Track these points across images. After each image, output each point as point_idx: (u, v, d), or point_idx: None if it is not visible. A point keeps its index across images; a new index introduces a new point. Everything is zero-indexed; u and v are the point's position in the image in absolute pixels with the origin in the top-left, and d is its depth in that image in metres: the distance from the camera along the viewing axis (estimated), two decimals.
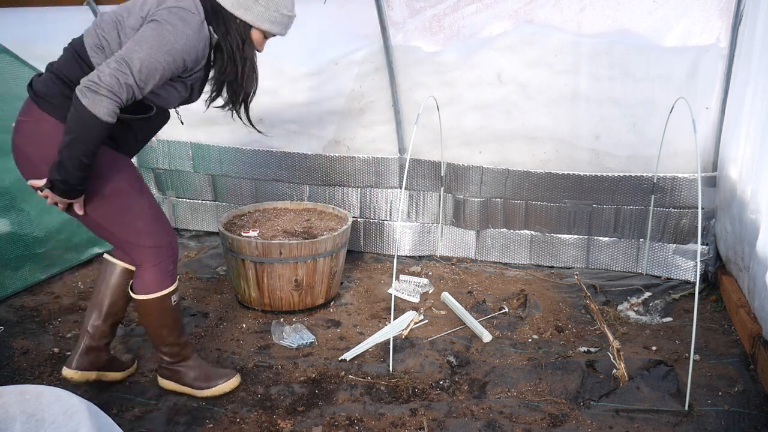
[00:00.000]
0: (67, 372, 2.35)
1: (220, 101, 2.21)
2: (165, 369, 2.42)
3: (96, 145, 1.87)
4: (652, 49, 3.08)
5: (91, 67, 1.94)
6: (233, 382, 2.43)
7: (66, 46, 2.06)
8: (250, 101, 2.23)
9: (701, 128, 3.17)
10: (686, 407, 2.23)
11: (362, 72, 3.52)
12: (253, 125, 2.33)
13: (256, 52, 2.14)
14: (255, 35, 2.09)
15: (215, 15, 2.02)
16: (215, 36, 2.03)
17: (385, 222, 3.87)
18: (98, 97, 1.79)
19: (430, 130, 3.58)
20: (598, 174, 3.42)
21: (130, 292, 2.27)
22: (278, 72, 3.67)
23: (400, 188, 3.66)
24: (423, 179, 3.74)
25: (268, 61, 3.65)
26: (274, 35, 2.13)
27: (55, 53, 4.14)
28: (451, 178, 3.71)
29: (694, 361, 2.39)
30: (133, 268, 2.31)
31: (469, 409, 2.29)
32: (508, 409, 2.28)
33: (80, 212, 2.05)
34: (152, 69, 1.87)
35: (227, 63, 2.07)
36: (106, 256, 2.39)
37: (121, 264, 2.36)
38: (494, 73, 3.35)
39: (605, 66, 3.18)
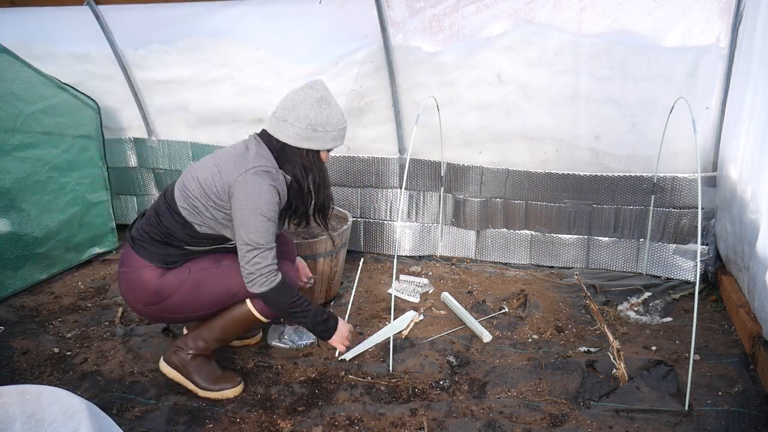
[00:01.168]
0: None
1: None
2: (176, 357, 2.42)
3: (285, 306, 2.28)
4: (652, 49, 3.08)
5: (184, 219, 2.24)
6: (237, 390, 2.43)
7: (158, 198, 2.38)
8: (329, 212, 2.49)
9: (701, 128, 3.17)
10: (686, 407, 2.23)
11: (362, 72, 3.52)
12: (329, 233, 2.71)
13: (326, 168, 2.39)
14: (321, 154, 2.32)
15: (283, 152, 2.26)
16: (288, 177, 2.28)
17: (385, 222, 3.87)
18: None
19: (430, 130, 3.58)
20: (598, 174, 3.42)
21: (248, 302, 2.34)
22: (278, 72, 3.68)
23: (400, 188, 3.66)
24: (423, 179, 3.74)
25: (268, 61, 3.67)
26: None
27: (55, 53, 4.16)
28: (451, 178, 3.71)
29: (694, 361, 2.39)
30: None
31: (469, 409, 2.29)
32: (508, 409, 2.28)
33: (344, 347, 2.44)
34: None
35: (300, 190, 2.31)
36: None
37: None
38: (494, 73, 3.35)
39: (605, 66, 3.18)
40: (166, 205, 2.28)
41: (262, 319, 2.35)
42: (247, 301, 2.32)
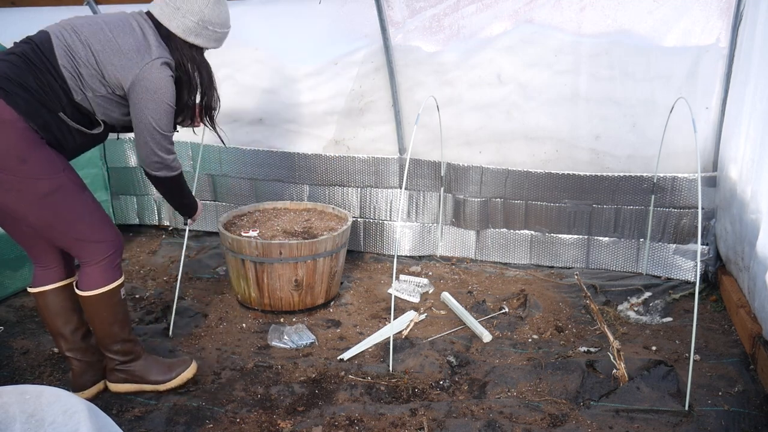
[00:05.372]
0: (79, 395, 2.34)
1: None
2: (118, 371, 2.35)
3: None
4: (652, 49, 3.08)
5: (65, 82, 2.01)
6: (193, 367, 2.44)
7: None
8: (216, 114, 2.42)
9: (701, 128, 3.17)
10: (686, 407, 2.23)
11: (362, 72, 3.52)
12: (218, 133, 2.55)
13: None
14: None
15: (168, 40, 2.17)
16: (172, 59, 2.16)
17: (385, 222, 3.87)
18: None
19: (430, 130, 3.58)
20: (598, 174, 3.42)
21: (77, 290, 2.21)
22: (278, 72, 3.68)
23: (400, 188, 3.66)
24: (423, 179, 3.74)
25: (268, 61, 3.67)
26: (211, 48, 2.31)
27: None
28: (451, 178, 3.71)
29: (694, 361, 2.39)
30: (61, 283, 2.30)
31: (469, 409, 2.29)
32: (508, 409, 2.28)
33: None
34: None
35: (189, 82, 2.23)
36: (30, 290, 2.31)
37: (49, 287, 2.29)
38: (494, 73, 3.35)
39: (605, 66, 3.18)
40: (43, 60, 1.99)
41: (108, 287, 2.19)
42: (80, 292, 2.19)
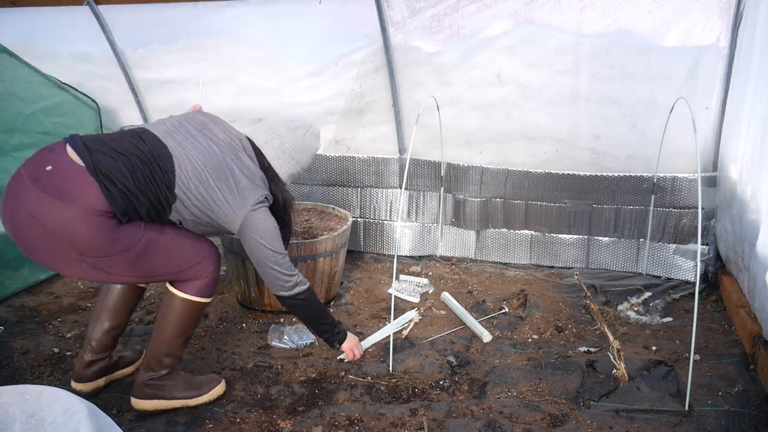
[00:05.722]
0: (75, 386, 2.38)
1: None
2: (147, 387, 2.29)
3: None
4: (652, 49, 3.08)
5: (168, 202, 2.10)
6: (223, 384, 2.42)
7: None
8: (290, 235, 2.55)
9: (701, 128, 3.17)
10: (686, 407, 2.23)
11: (362, 72, 3.52)
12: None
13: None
14: None
15: (268, 172, 2.33)
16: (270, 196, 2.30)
17: (385, 222, 3.87)
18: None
19: (430, 130, 3.58)
20: (598, 174, 3.42)
21: (169, 287, 2.23)
22: (278, 72, 3.67)
23: (400, 188, 3.66)
24: (423, 179, 3.74)
25: (268, 61, 3.67)
26: None
27: (55, 53, 4.15)
28: (451, 178, 3.71)
29: (694, 361, 2.39)
30: (138, 284, 2.41)
31: (469, 409, 2.29)
32: (508, 409, 2.28)
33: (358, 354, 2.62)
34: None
35: (280, 209, 2.37)
36: None
37: None
38: (494, 73, 3.35)
39: (605, 66, 3.18)
40: (157, 182, 2.05)
41: (203, 300, 2.25)
42: (173, 289, 2.22)
